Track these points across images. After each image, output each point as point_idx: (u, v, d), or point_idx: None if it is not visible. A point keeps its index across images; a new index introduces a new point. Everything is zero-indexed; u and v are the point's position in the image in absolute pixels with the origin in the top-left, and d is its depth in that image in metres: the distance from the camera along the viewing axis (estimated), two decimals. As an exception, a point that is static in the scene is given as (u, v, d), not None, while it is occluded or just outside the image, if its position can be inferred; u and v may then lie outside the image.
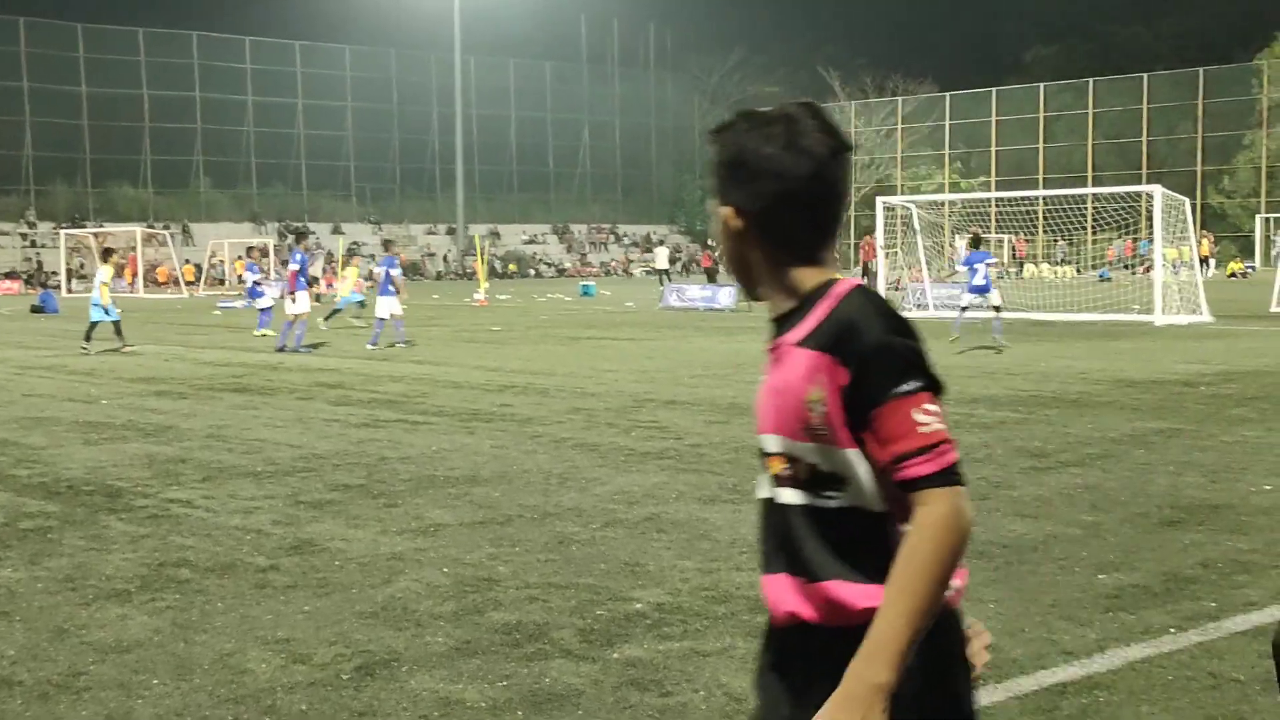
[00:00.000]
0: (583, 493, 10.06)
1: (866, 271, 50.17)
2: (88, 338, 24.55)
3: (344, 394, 17.18)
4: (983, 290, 23.60)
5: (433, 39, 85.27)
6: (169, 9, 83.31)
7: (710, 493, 9.98)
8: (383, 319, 25.14)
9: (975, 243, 25.15)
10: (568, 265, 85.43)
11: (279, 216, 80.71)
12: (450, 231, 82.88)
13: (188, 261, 66.54)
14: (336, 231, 78.98)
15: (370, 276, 33.79)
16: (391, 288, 25.24)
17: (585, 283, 57.70)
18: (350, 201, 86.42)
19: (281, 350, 24.28)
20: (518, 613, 6.80)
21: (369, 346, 24.68)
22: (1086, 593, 7.11)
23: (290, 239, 71.98)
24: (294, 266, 25.77)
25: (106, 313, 24.67)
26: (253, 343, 27.10)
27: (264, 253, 64.89)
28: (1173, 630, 6.36)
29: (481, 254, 53.33)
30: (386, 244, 28.05)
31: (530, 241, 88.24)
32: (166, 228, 71.44)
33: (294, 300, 25.02)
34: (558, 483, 10.50)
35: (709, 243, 68.25)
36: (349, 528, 8.95)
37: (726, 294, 39.99)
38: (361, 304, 31.53)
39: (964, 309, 24.47)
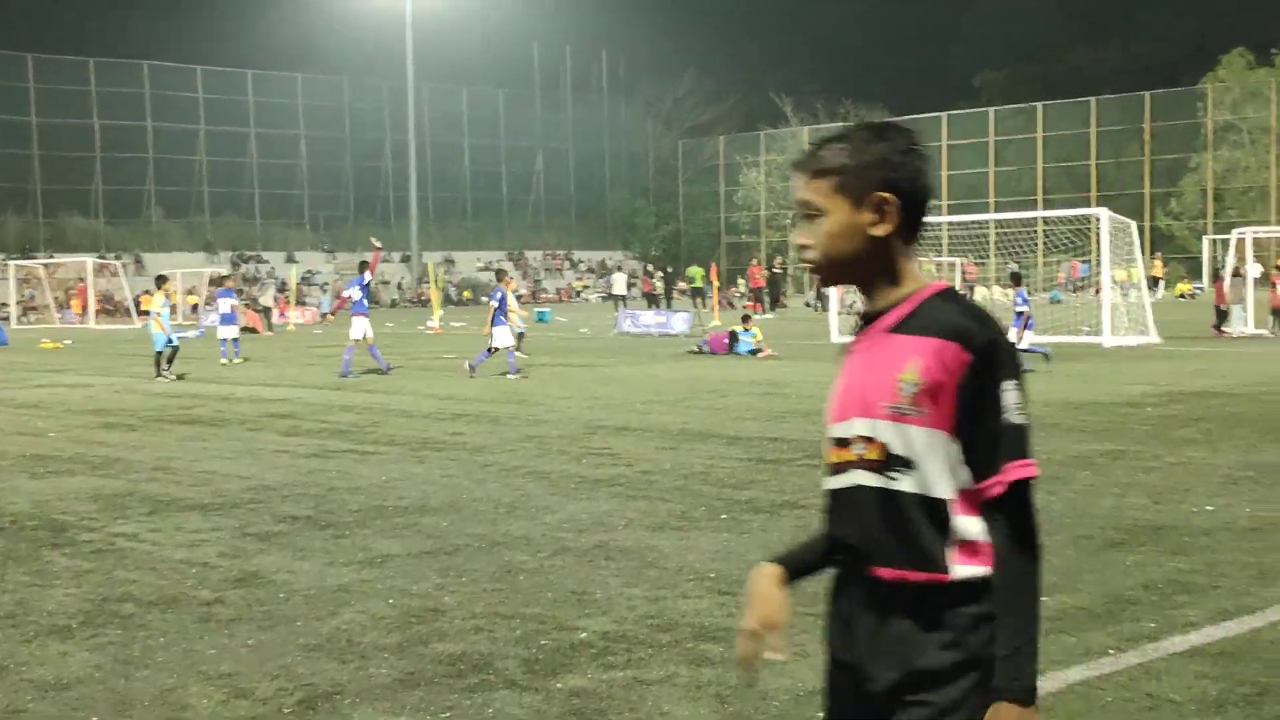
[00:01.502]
0: (532, 521, 10.06)
1: (820, 296, 50.43)
2: (171, 362, 25.32)
3: (295, 424, 17.11)
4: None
5: (385, 66, 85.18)
6: (120, 39, 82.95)
7: (659, 520, 10.00)
8: (494, 349, 24.45)
9: (1016, 279, 25.37)
10: (523, 292, 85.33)
11: (232, 246, 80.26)
12: (405, 259, 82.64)
13: (146, 291, 65.92)
14: (290, 260, 78.61)
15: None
16: (503, 318, 24.85)
17: (540, 309, 57.69)
18: (304, 230, 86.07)
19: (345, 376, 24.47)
20: (462, 643, 6.79)
21: (511, 376, 23.67)
22: (1029, 615, 7.15)
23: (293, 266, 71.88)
24: (350, 293, 26.75)
25: (169, 340, 25.28)
26: (204, 372, 26.92)
27: (220, 281, 64.66)
28: (1112, 651, 6.42)
29: (435, 281, 53.19)
30: (499, 274, 27.66)
31: (485, 268, 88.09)
32: (118, 258, 70.88)
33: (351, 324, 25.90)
34: (507, 511, 10.50)
35: (648, 268, 68.48)
36: (295, 559, 8.92)
37: (681, 319, 40.12)
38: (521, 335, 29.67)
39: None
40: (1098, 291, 32.19)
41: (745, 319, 30.28)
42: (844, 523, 2.87)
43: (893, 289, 2.86)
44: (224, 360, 29.03)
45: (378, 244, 28.32)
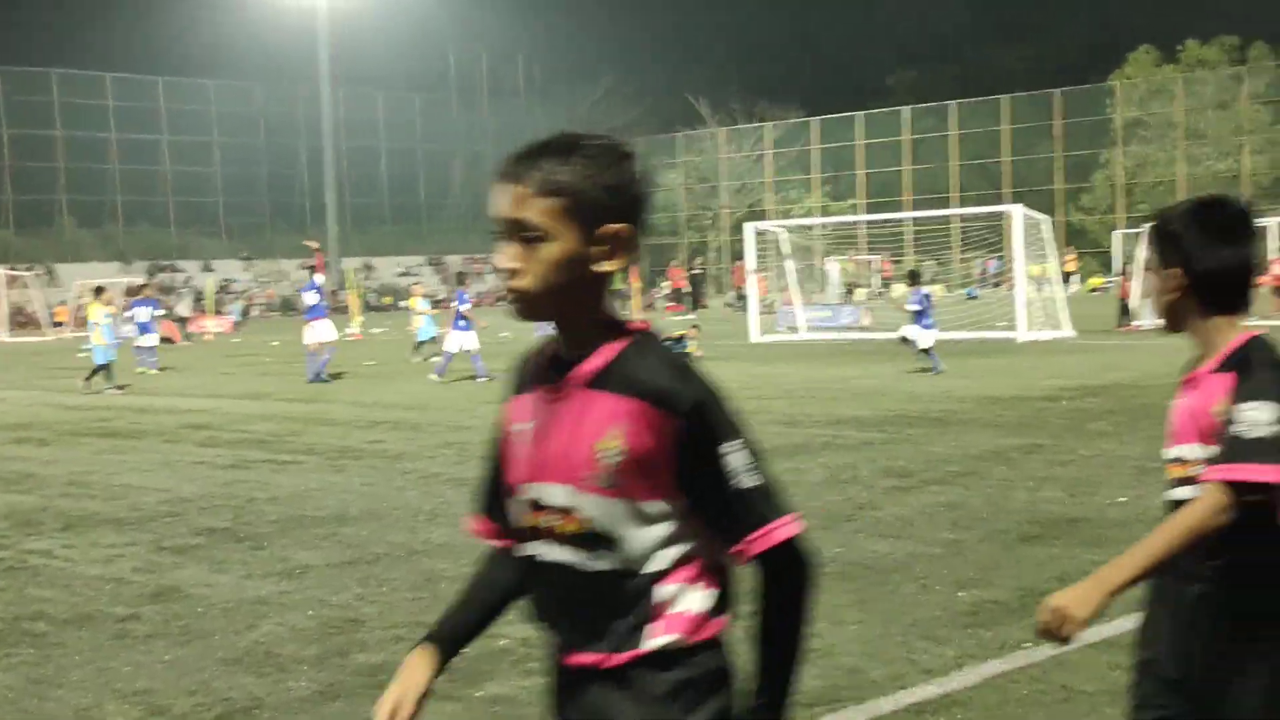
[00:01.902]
0: (453, 528, 10.01)
1: (740, 297, 50.69)
2: (109, 376, 24.58)
3: (212, 435, 16.93)
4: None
5: (299, 72, 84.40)
6: (28, 47, 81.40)
7: (580, 524, 9.99)
8: (451, 353, 24.36)
9: (914, 278, 25.25)
10: (444, 296, 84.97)
11: (147, 255, 79.18)
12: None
13: (62, 302, 64.81)
14: (207, 269, 77.76)
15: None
16: (462, 322, 24.75)
17: (460, 314, 57.40)
18: (220, 238, 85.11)
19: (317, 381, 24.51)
20: (383, 653, 6.76)
21: (434, 377, 23.91)
22: (946, 610, 7.25)
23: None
24: (308, 298, 26.26)
25: (106, 353, 24.74)
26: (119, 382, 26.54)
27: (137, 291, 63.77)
28: (1027, 645, 6.51)
29: (354, 287, 52.81)
30: (460, 277, 27.62)
31: (404, 274, 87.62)
32: (30, 269, 69.72)
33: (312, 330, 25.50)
34: (427, 519, 10.46)
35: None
36: (213, 573, 8.83)
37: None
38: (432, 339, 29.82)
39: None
40: (1012, 287, 32.60)
41: (695, 326, 30.35)
42: (540, 601, 2.63)
43: (591, 331, 2.52)
44: (141, 369, 28.72)
45: (314, 244, 28.13)
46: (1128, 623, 6.80)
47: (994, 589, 7.63)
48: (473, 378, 23.66)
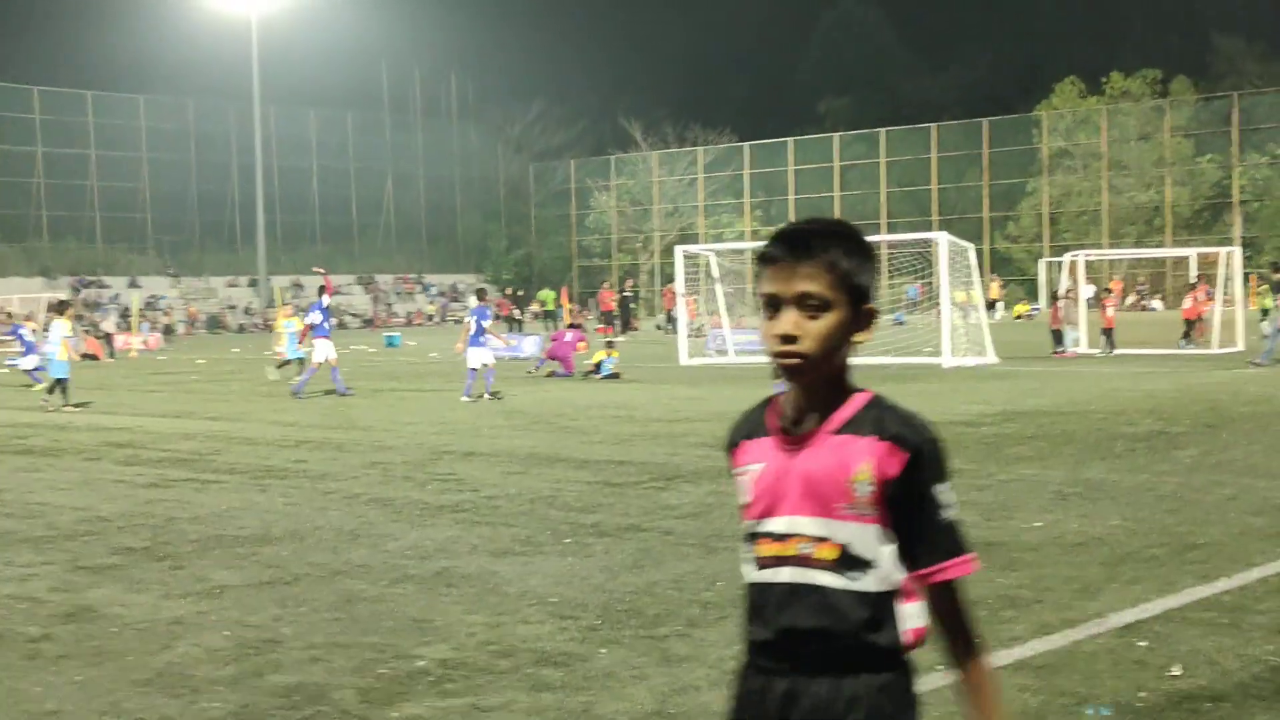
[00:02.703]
0: (374, 549, 9.99)
1: (670, 320, 50.80)
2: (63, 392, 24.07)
3: (134, 453, 16.75)
4: None
5: (231, 89, 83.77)
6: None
7: (503, 545, 10.01)
8: (474, 369, 24.05)
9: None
10: (373, 316, 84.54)
11: (72, 270, 78.16)
12: (252, 283, 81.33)
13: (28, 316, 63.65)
14: (133, 285, 76.86)
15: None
16: (482, 339, 24.53)
17: (390, 333, 57.18)
18: (148, 254, 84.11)
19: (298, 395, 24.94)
20: (299, 674, 6.73)
21: (463, 399, 23.53)
22: (862, 633, 7.30)
23: (289, 292, 70.13)
24: (311, 318, 26.13)
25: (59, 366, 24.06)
26: (36, 401, 26.19)
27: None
28: (939, 667, 6.56)
29: (282, 305, 52.33)
30: (480, 293, 27.23)
31: (335, 293, 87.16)
32: (-50, 283, 68.70)
33: (313, 347, 25.70)
34: (349, 539, 10.41)
35: (506, 291, 68.25)
36: (129, 592, 8.75)
37: (531, 343, 40.10)
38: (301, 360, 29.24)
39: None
40: (939, 313, 32.90)
41: (609, 345, 30.39)
42: (785, 617, 2.88)
43: (839, 388, 2.90)
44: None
45: (320, 270, 28.44)
46: (1041, 644, 6.93)
47: (910, 612, 7.70)
48: (495, 394, 23.84)
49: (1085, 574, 8.52)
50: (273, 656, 7.09)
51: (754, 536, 2.95)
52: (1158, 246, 71.79)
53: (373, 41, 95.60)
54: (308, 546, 10.17)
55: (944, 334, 30.38)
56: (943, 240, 31.64)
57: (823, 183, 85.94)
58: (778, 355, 2.86)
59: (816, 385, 2.89)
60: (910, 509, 2.82)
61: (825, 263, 2.83)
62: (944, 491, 2.84)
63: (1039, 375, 26.58)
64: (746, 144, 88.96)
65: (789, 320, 2.83)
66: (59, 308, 26.10)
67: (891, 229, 75.79)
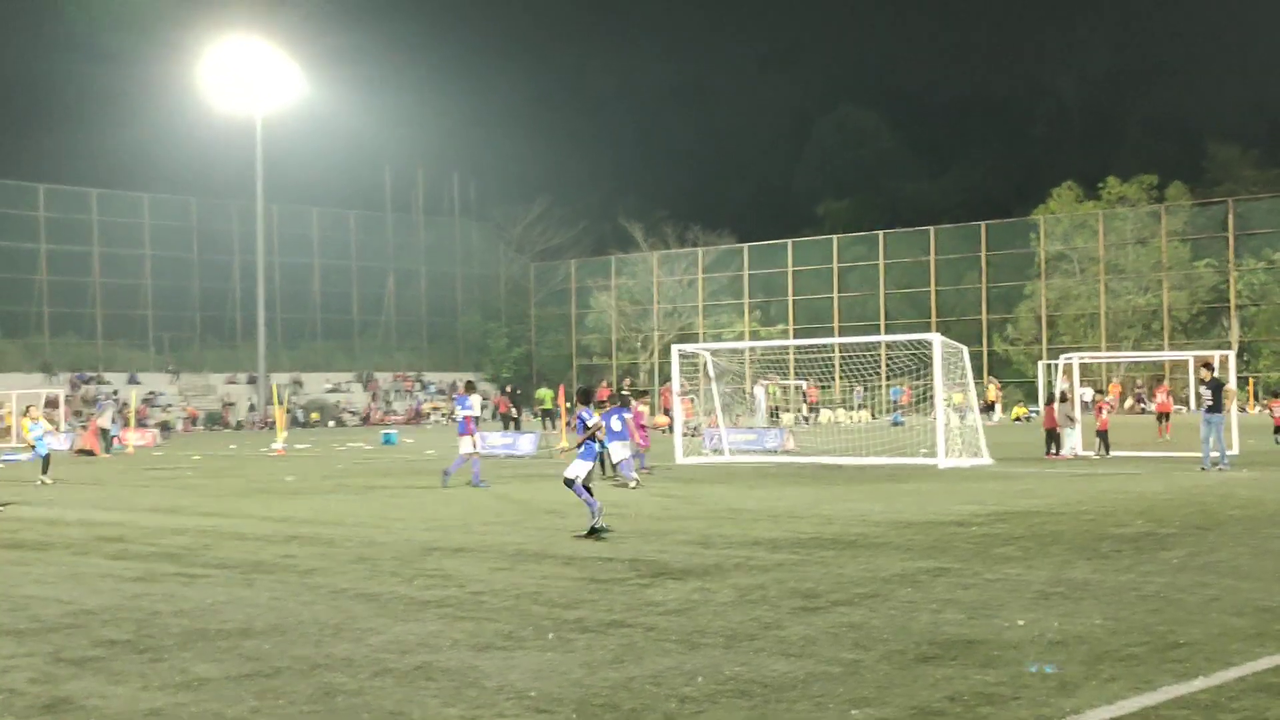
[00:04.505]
0: (356, 643, 9.99)
1: (668, 416, 50.84)
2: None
3: (124, 547, 16.75)
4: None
5: (234, 187, 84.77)
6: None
7: (485, 640, 10.01)
8: (461, 456, 25.95)
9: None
10: (371, 414, 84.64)
11: (72, 366, 78.46)
12: (252, 380, 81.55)
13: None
14: (133, 381, 77.05)
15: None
16: (468, 428, 25.98)
17: (387, 431, 57.22)
18: (148, 350, 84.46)
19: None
20: (271, 766, 6.72)
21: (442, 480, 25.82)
22: (837, 728, 7.32)
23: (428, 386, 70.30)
24: (465, 411, 26.62)
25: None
26: (32, 495, 26.21)
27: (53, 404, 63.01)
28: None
29: (280, 402, 52.50)
30: (469, 385, 28.22)
31: (334, 390, 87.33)
32: (-49, 378, 68.88)
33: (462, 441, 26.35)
34: (332, 633, 10.41)
35: (505, 389, 68.40)
36: (109, 684, 8.74)
37: (527, 440, 40.16)
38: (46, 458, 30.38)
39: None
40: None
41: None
42: None
43: None
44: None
45: (469, 379, 29.50)
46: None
47: (887, 708, 7.71)
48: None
49: (1064, 672, 8.53)
50: (247, 748, 7.09)
51: None
52: (1156, 350, 72.07)
53: (376, 141, 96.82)
54: (290, 640, 10.17)
55: (939, 434, 30.45)
56: (937, 341, 31.81)
57: (822, 284, 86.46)
58: None
59: None
60: None
61: None
62: None
63: (1033, 477, 26.59)
64: (746, 245, 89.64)
65: None
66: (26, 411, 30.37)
67: (890, 330, 76.20)
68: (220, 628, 10.76)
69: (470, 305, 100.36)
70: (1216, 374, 28.14)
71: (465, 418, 26.32)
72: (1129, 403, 67.32)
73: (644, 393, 32.78)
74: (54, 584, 13.52)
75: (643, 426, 30.28)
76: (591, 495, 17.12)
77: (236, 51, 75.83)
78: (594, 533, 16.60)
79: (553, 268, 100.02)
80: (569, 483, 17.19)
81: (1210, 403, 27.09)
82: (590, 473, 17.61)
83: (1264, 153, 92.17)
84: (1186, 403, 39.07)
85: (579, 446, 17.62)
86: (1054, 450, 32.83)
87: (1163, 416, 41.76)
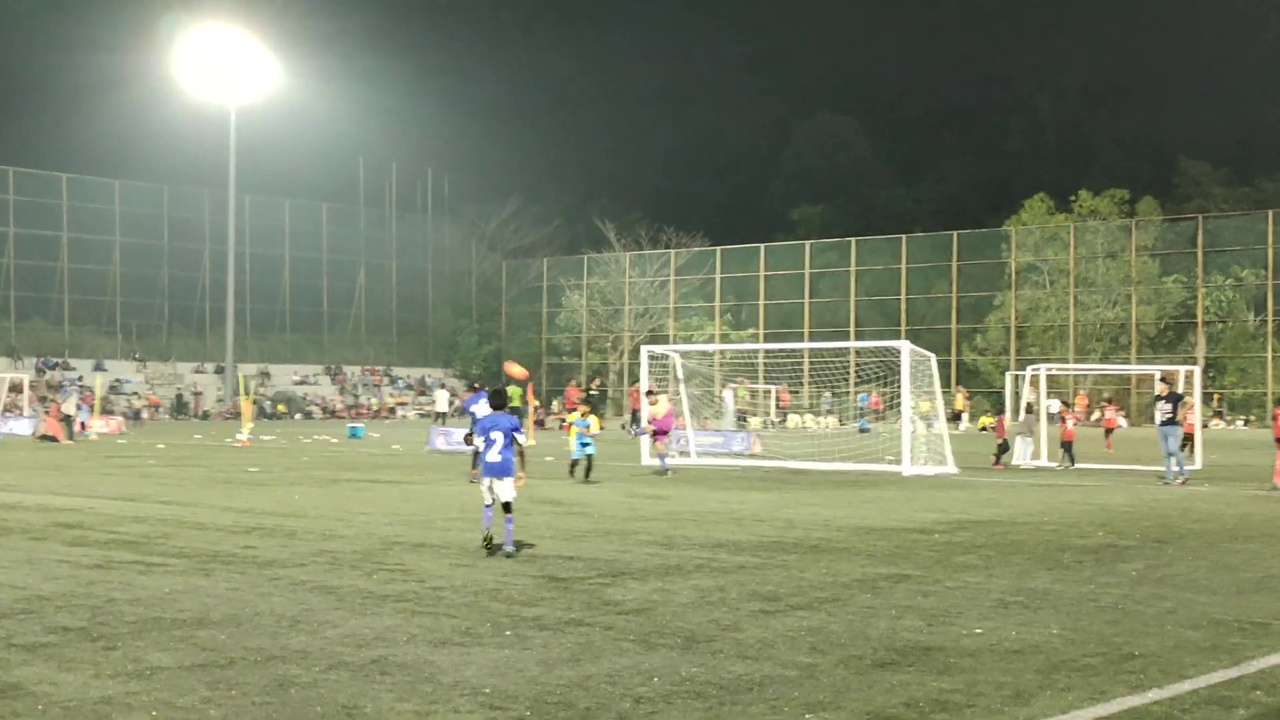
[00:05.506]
0: (313, 635, 9.93)
1: (635, 419, 50.83)
2: None
3: (81, 534, 16.62)
4: None
5: (207, 176, 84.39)
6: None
7: (443, 635, 9.96)
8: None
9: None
10: (339, 406, 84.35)
11: (37, 352, 77.96)
12: (219, 370, 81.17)
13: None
14: (98, 368, 76.59)
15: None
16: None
17: (353, 424, 57.02)
18: (115, 338, 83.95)
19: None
20: (220, 756, 6.67)
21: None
22: (791, 732, 7.31)
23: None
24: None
25: None
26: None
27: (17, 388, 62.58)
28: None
29: (246, 393, 52.24)
30: (473, 386, 28.40)
31: (301, 382, 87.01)
32: (-86, 360, 68.37)
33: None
34: (289, 625, 10.34)
35: (474, 385, 68.28)
36: (60, 671, 8.66)
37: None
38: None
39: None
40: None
41: (587, 401, 30.79)
42: None
43: None
44: None
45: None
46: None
47: (841, 712, 7.71)
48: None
49: (1019, 680, 8.54)
50: (196, 738, 7.03)
51: None
52: (1123, 363, 72.48)
53: (350, 135, 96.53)
54: (245, 631, 10.10)
55: (904, 442, 30.52)
56: (905, 349, 31.89)
57: (793, 289, 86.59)
58: None
59: None
60: None
61: None
62: None
63: (997, 486, 26.68)
64: (719, 248, 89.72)
65: None
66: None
67: (860, 337, 76.31)
68: (176, 617, 10.68)
69: (441, 301, 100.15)
70: (1175, 388, 28.37)
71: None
72: (1095, 415, 67.71)
73: (651, 392, 32.51)
74: (8, 569, 13.40)
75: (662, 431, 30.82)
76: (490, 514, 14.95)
77: (212, 40, 75.47)
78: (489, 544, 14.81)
79: (525, 266, 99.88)
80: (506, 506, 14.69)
81: (1168, 415, 27.26)
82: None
83: (1234, 171, 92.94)
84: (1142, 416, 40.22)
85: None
86: (997, 461, 33.32)
87: (1108, 431, 42.77)
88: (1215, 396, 72.34)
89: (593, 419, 28.57)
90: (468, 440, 16.16)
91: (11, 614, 10.76)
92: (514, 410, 58.63)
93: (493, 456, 14.72)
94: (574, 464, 27.10)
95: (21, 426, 52.15)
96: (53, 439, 44.92)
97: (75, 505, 20.80)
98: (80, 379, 72.56)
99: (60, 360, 78.12)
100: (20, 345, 77.60)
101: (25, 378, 66.94)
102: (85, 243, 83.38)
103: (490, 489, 14.78)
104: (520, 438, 14.92)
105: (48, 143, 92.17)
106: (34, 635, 9.86)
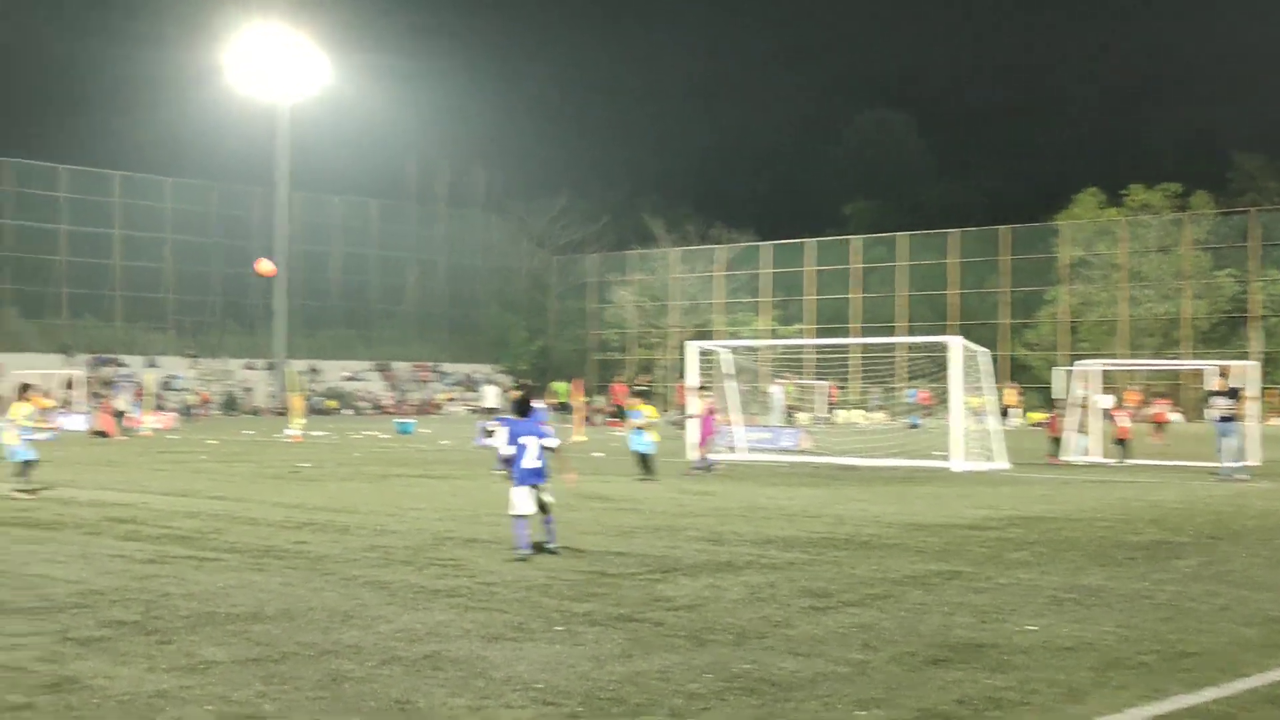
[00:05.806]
0: (365, 630, 9.97)
1: (682, 415, 50.79)
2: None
3: (135, 529, 16.78)
4: None
5: (257, 174, 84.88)
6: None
7: (495, 630, 9.98)
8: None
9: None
10: (388, 402, 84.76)
11: (90, 348, 78.72)
12: (270, 366, 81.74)
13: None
14: (151, 365, 77.28)
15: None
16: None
17: (403, 420, 57.29)
18: (168, 334, 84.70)
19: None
20: (275, 750, 6.71)
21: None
22: (843, 729, 7.28)
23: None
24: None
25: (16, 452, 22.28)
26: (46, 476, 26.24)
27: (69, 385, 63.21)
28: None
29: (297, 389, 52.59)
30: (518, 391, 28.22)
31: (351, 378, 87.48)
32: (-31, 357, 69.12)
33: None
34: (341, 620, 10.40)
35: (519, 382, 68.45)
36: (115, 665, 8.74)
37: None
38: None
39: None
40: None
41: (639, 394, 30.86)
42: None
43: None
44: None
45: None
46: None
47: (895, 709, 7.67)
48: None
49: (1073, 678, 8.47)
50: (251, 732, 7.07)
51: None
52: (1175, 358, 71.77)
53: (401, 132, 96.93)
54: (299, 626, 10.16)
55: (954, 437, 30.33)
56: (956, 345, 31.69)
57: (841, 285, 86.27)
58: None
59: None
60: None
61: None
62: None
63: (1049, 482, 26.49)
64: (767, 243, 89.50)
65: None
66: (21, 391, 23.68)
67: (910, 332, 75.93)
68: (229, 611, 10.75)
69: (490, 297, 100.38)
70: (1233, 383, 28.04)
71: None
72: (1146, 410, 67.02)
73: (705, 388, 32.41)
74: (64, 563, 13.55)
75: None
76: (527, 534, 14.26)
77: (263, 38, 75.90)
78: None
79: (573, 262, 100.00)
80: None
81: (1227, 411, 26.94)
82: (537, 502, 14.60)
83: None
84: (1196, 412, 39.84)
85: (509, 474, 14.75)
86: (1057, 456, 33.06)
87: (1159, 426, 42.05)
88: (1266, 393, 71.49)
89: (649, 409, 28.29)
90: (487, 434, 16.23)
91: (66, 608, 10.87)
92: (562, 405, 58.81)
93: (529, 462, 14.47)
94: (642, 458, 26.76)
95: (75, 423, 52.67)
96: (105, 434, 45.36)
97: (129, 500, 20.99)
98: (132, 375, 73.21)
99: (113, 357, 78.85)
100: (74, 342, 78.37)
101: (79, 374, 67.60)
102: (138, 240, 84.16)
103: (528, 497, 14.46)
104: (551, 442, 14.62)
105: (100, 141, 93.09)
106: (89, 629, 9.96)
